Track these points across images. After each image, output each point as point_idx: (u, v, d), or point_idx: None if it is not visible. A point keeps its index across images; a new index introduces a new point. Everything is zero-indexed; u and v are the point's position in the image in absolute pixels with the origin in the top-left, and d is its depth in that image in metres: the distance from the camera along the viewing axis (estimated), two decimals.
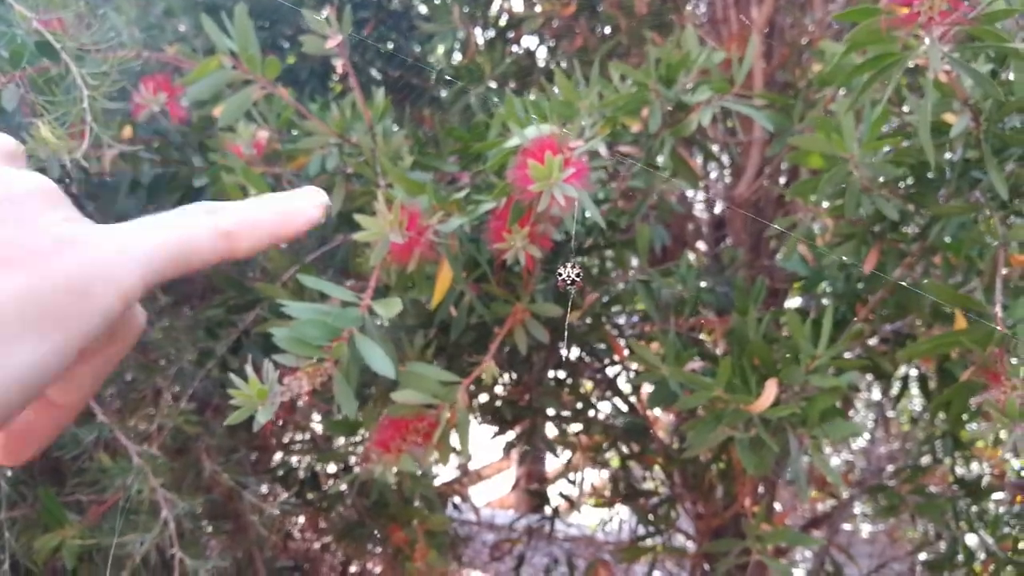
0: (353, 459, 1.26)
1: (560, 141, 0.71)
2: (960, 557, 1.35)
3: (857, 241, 1.00)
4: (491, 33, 1.59)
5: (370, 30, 1.58)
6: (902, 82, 0.83)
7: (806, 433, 0.80)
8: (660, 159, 1.00)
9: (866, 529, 2.23)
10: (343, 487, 1.20)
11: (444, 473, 1.80)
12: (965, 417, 1.08)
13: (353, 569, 1.54)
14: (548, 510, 1.63)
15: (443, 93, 1.53)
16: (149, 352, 1.05)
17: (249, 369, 0.65)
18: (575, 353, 1.32)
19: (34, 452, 0.28)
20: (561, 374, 1.34)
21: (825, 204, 1.02)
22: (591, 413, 1.35)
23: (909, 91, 0.90)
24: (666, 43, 1.03)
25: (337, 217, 1.18)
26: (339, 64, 1.53)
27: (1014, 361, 0.71)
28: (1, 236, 0.21)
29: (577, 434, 1.38)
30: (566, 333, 1.02)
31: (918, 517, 1.29)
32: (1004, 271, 0.79)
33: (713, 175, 1.74)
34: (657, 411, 1.55)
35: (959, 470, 1.49)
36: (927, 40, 0.66)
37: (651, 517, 1.35)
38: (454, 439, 0.88)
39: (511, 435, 1.32)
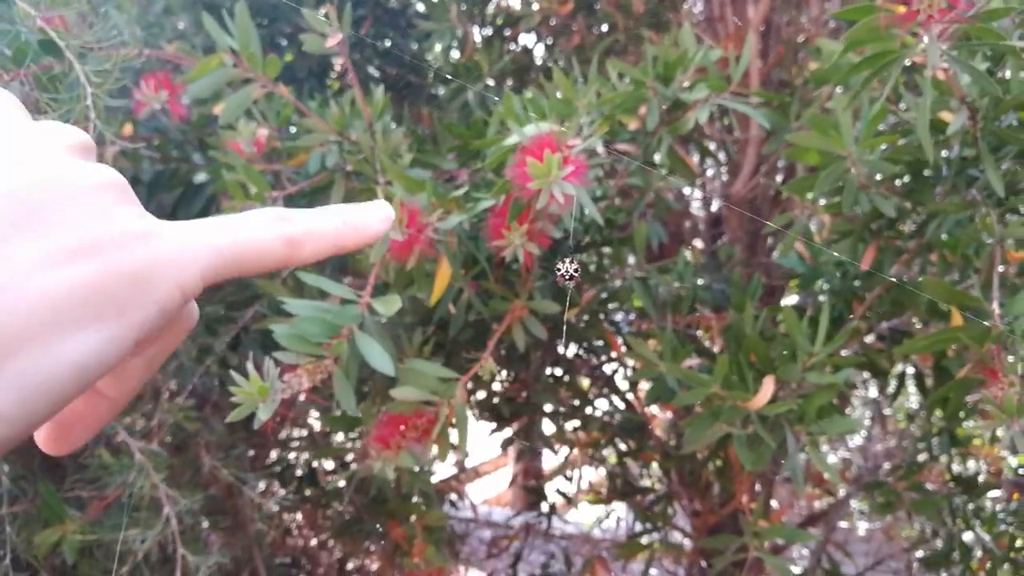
0: (351, 455, 1.26)
1: (559, 139, 0.71)
2: (956, 554, 1.36)
3: (854, 238, 1.00)
4: (488, 31, 1.59)
5: (367, 28, 1.58)
6: (899, 80, 0.83)
7: (803, 429, 0.81)
8: (657, 157, 1.01)
9: (863, 527, 2.24)
10: (341, 483, 1.21)
11: (441, 470, 1.80)
12: (962, 414, 1.09)
13: (351, 565, 1.54)
14: (545, 507, 1.64)
15: (441, 91, 1.53)
16: None
17: (250, 366, 0.65)
18: (573, 350, 1.33)
19: (80, 443, 0.28)
20: (559, 371, 1.35)
21: (822, 202, 1.03)
22: (588, 410, 1.35)
23: (906, 89, 0.90)
24: (663, 41, 1.04)
25: None
26: (338, 62, 1.53)
27: (1011, 359, 0.71)
28: (72, 226, 0.22)
29: (575, 431, 1.39)
30: (564, 329, 1.02)
31: (914, 514, 1.29)
32: (1001, 268, 0.79)
33: (710, 173, 1.75)
34: (654, 408, 1.55)
35: (956, 467, 1.50)
36: (925, 38, 0.66)
37: (648, 514, 1.36)
38: (453, 435, 0.88)
39: (508, 432, 1.33)
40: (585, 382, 1.42)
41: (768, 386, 0.79)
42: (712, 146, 1.66)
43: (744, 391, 0.81)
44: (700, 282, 1.19)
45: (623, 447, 1.42)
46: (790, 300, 1.45)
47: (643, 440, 1.37)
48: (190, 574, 0.79)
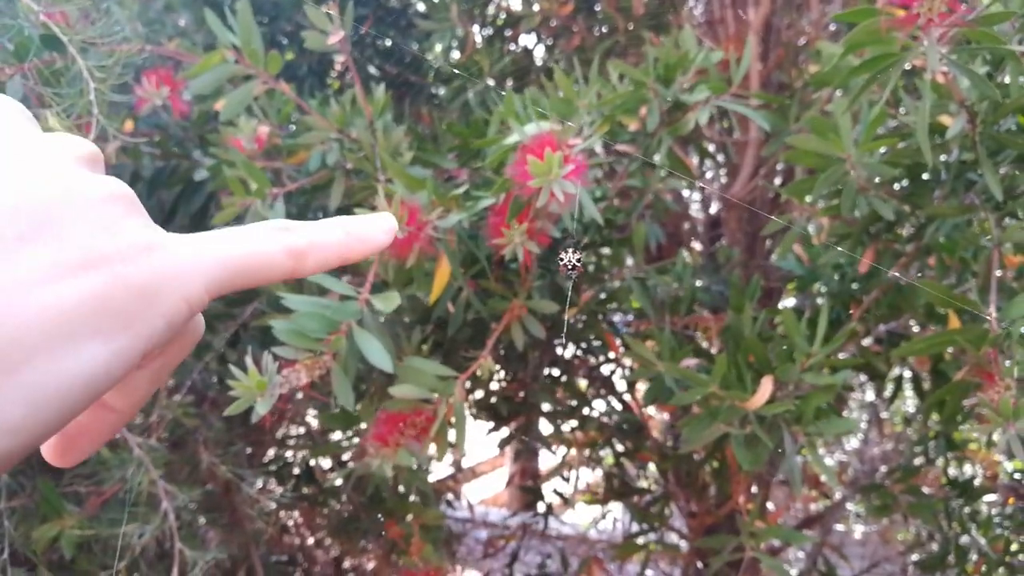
0: (349, 454, 1.26)
1: (560, 138, 0.72)
2: (952, 558, 1.36)
3: (852, 241, 1.00)
4: (489, 31, 1.60)
5: (368, 27, 1.58)
6: (898, 84, 0.83)
7: (801, 430, 0.81)
8: (657, 158, 1.01)
9: (859, 530, 2.24)
10: (339, 482, 1.21)
11: (438, 470, 1.80)
12: (958, 417, 1.09)
13: (347, 563, 1.54)
14: (541, 507, 1.64)
15: (441, 91, 1.54)
16: None
17: (249, 361, 0.65)
18: (571, 350, 1.33)
19: (86, 455, 0.28)
20: (556, 371, 1.35)
21: (821, 204, 1.03)
22: (586, 410, 1.36)
23: (905, 93, 0.91)
24: (663, 43, 1.04)
25: (336, 213, 1.18)
26: (339, 60, 1.54)
27: (1007, 363, 0.72)
28: (80, 239, 0.22)
29: (572, 430, 1.39)
30: (565, 327, 1.02)
31: (911, 517, 1.29)
32: (998, 272, 0.80)
33: (709, 175, 1.75)
34: (651, 409, 1.56)
35: (952, 471, 1.50)
36: (925, 41, 0.66)
37: (645, 514, 1.36)
38: (451, 435, 0.88)
39: (506, 431, 1.33)
40: (583, 383, 1.43)
41: (766, 386, 0.79)
42: (711, 148, 1.66)
43: (742, 391, 0.81)
44: (698, 284, 1.19)
45: (620, 448, 1.42)
46: (788, 303, 1.45)
47: (640, 441, 1.37)
48: (188, 569, 0.79)
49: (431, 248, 0.81)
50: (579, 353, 1.35)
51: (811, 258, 1.15)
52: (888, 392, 1.38)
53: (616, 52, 1.50)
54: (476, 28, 1.56)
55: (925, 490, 1.39)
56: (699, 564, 1.41)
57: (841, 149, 0.81)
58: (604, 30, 1.59)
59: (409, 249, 0.79)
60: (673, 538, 1.46)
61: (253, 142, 0.91)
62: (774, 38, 1.55)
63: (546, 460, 2.13)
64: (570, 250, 0.59)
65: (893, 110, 0.92)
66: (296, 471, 1.35)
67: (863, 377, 1.33)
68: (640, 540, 1.37)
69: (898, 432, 1.95)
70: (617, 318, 1.33)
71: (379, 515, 1.13)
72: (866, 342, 1.19)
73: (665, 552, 1.39)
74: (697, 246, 1.74)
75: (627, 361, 1.35)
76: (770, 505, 1.49)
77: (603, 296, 1.15)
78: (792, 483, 0.84)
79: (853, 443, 1.99)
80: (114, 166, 1.01)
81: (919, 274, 1.09)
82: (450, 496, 1.79)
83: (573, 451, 1.50)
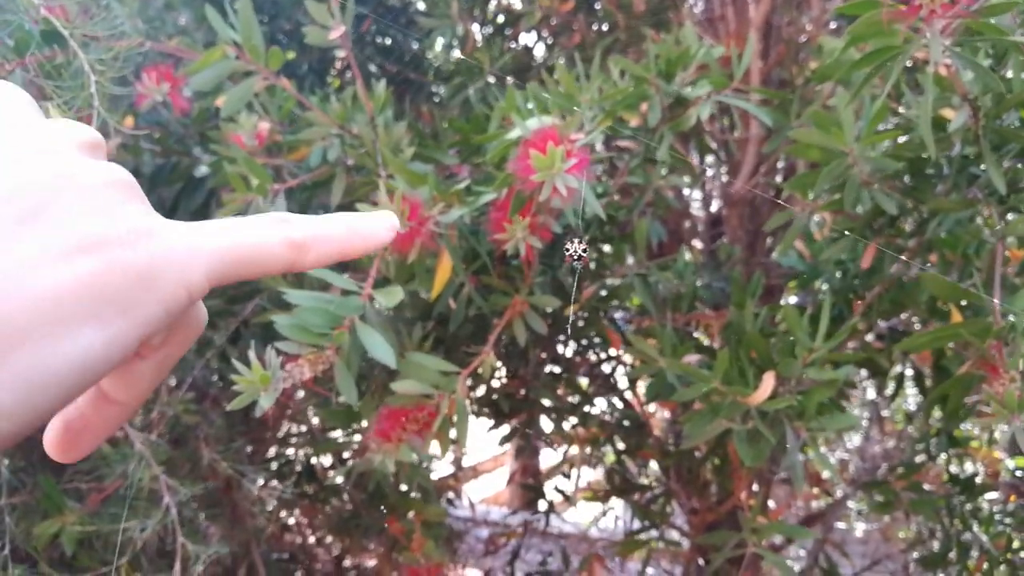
0: (349, 451, 1.26)
1: (562, 132, 0.71)
2: (954, 554, 1.36)
3: (855, 237, 1.00)
4: (489, 29, 1.60)
5: (368, 25, 1.58)
6: (900, 77, 0.83)
7: (803, 426, 0.81)
8: (659, 154, 1.01)
9: (860, 528, 2.24)
10: (340, 479, 1.21)
11: (439, 468, 1.80)
12: (961, 412, 1.09)
13: (348, 562, 1.54)
14: (543, 504, 1.64)
15: (442, 89, 1.54)
16: None
17: (251, 354, 0.65)
18: (572, 348, 1.33)
19: (90, 449, 0.28)
20: (558, 368, 1.35)
21: (823, 201, 1.03)
22: (587, 407, 1.35)
23: (907, 87, 0.90)
24: (664, 40, 1.04)
25: (337, 209, 1.18)
26: (339, 58, 1.53)
27: (1011, 356, 0.71)
28: (78, 223, 0.22)
29: (574, 427, 1.39)
30: (570, 318, 1.02)
31: (912, 514, 1.29)
32: (1002, 266, 0.79)
33: (710, 172, 1.75)
34: (652, 407, 1.55)
35: (953, 468, 1.50)
36: (928, 33, 0.66)
37: (646, 511, 1.36)
38: (452, 431, 0.88)
39: (507, 429, 1.33)
40: (584, 380, 1.42)
41: (768, 382, 0.79)
42: (713, 145, 1.66)
43: (744, 387, 0.81)
44: (700, 282, 1.19)
45: (621, 445, 1.42)
46: (790, 300, 1.45)
47: (641, 438, 1.37)
48: (190, 564, 0.79)
49: (432, 243, 0.81)
50: (580, 350, 1.34)
51: (813, 254, 1.14)
52: (890, 390, 1.38)
53: (616, 50, 1.50)
54: (476, 27, 1.56)
55: (927, 487, 1.39)
56: (700, 562, 1.41)
57: (844, 143, 0.81)
58: (604, 28, 1.59)
59: (411, 244, 0.78)
60: (674, 536, 1.45)
61: (254, 138, 0.91)
62: (775, 35, 1.55)
63: (547, 458, 2.13)
64: (576, 240, 0.58)
65: (894, 105, 0.91)
66: (298, 468, 1.35)
67: (865, 375, 1.33)
68: (642, 536, 1.37)
69: (899, 430, 1.95)
70: (619, 315, 1.33)
71: (381, 509, 1.13)
72: (868, 339, 1.19)
73: (667, 548, 1.39)
74: (698, 244, 1.74)
75: (628, 358, 1.35)
76: (771, 503, 1.49)
77: (604, 293, 1.15)
78: (794, 479, 0.84)
79: (854, 441, 1.99)
80: (115, 162, 1.01)
81: (921, 269, 1.09)
82: (451, 495, 1.79)
83: (575, 448, 1.50)
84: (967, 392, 0.76)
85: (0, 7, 0.71)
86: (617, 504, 1.65)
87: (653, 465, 1.52)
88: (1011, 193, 0.84)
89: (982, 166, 0.84)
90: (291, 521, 1.51)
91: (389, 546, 1.21)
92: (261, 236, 0.26)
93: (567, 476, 1.72)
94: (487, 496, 2.90)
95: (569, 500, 1.67)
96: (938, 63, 0.71)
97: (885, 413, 2.00)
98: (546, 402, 1.28)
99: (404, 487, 1.17)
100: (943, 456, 1.44)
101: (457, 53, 1.51)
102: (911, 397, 1.97)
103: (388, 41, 1.66)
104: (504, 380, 1.28)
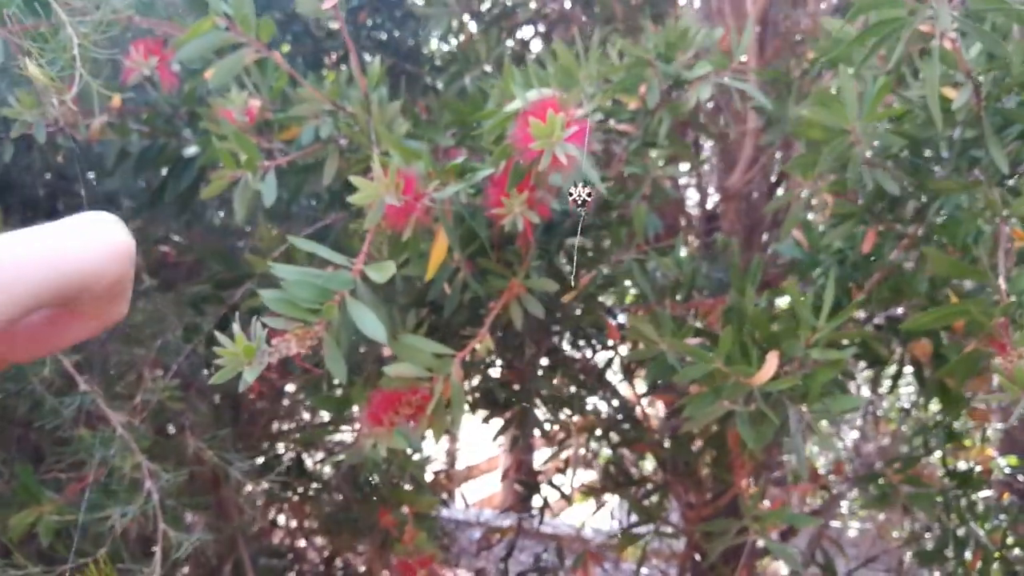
0: (340, 441, 1.23)
1: (562, 102, 0.70)
2: (950, 550, 1.35)
3: (854, 221, 0.99)
4: (486, 21, 1.58)
5: (364, 18, 1.57)
6: (900, 61, 0.82)
7: (807, 407, 0.79)
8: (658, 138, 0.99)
9: (854, 527, 2.23)
10: (329, 470, 1.18)
11: (433, 464, 1.77)
12: (961, 403, 1.07)
13: (339, 557, 1.51)
14: (538, 500, 1.62)
15: (439, 82, 1.52)
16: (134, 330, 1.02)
17: (236, 328, 0.62)
18: (568, 338, 1.31)
19: None
20: (554, 359, 1.33)
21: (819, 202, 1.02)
22: (584, 394, 1.33)
23: (907, 72, 0.89)
24: (662, 29, 1.03)
25: (329, 195, 1.16)
26: (333, 54, 1.52)
27: (1017, 334, 0.70)
28: None
29: (570, 416, 1.37)
30: (573, 296, 1.00)
31: (910, 508, 1.28)
32: (1007, 245, 0.78)
33: (707, 167, 1.74)
34: (646, 402, 1.54)
35: (950, 462, 1.49)
36: (934, 3, 0.65)
37: (642, 506, 1.33)
38: (446, 418, 0.86)
39: (501, 421, 1.30)
40: (580, 372, 1.40)
41: (772, 362, 0.77)
42: (710, 144, 1.65)
43: (747, 366, 0.79)
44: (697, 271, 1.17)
45: (617, 438, 1.40)
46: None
47: (639, 432, 1.35)
48: (172, 552, 0.76)
49: (427, 220, 0.79)
50: (577, 342, 1.32)
51: (811, 243, 1.13)
52: (888, 383, 1.37)
53: (613, 42, 1.49)
54: (469, 18, 1.55)
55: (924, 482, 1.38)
56: (696, 557, 1.39)
57: (846, 121, 0.80)
58: (601, 21, 1.58)
59: (405, 220, 0.76)
60: (670, 532, 1.43)
61: (244, 115, 0.89)
62: (771, 30, 1.54)
63: (541, 457, 2.11)
64: (579, 185, 0.56)
65: (896, 86, 0.90)
66: (287, 461, 1.32)
67: (862, 368, 1.32)
68: (638, 531, 1.35)
69: (894, 429, 1.95)
70: (616, 311, 1.31)
71: (373, 500, 1.10)
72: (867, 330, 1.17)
73: (665, 540, 1.37)
74: (694, 241, 1.73)
75: (624, 351, 1.33)
76: (766, 503, 1.48)
77: (601, 281, 1.13)
78: (797, 462, 0.82)
79: (851, 438, 1.98)
80: (101, 143, 0.98)
81: (921, 256, 1.08)
82: (444, 495, 1.76)
83: (570, 443, 1.48)
84: (973, 370, 0.74)
85: None
86: (612, 502, 1.63)
87: (649, 462, 1.50)
88: (1013, 174, 0.83)
89: (983, 149, 0.83)
90: (280, 517, 1.47)
91: (380, 541, 1.18)
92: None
93: (562, 471, 1.70)
94: (481, 498, 2.87)
95: (564, 497, 1.65)
96: (944, 33, 0.70)
97: (880, 412, 2.00)
98: (542, 391, 1.25)
99: (396, 481, 1.15)
100: (940, 451, 1.43)
101: (454, 43, 1.50)
102: (906, 396, 1.96)
103: (384, 36, 1.65)
104: (500, 370, 1.26)
